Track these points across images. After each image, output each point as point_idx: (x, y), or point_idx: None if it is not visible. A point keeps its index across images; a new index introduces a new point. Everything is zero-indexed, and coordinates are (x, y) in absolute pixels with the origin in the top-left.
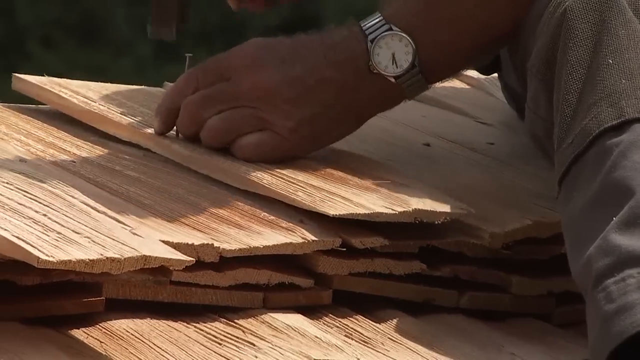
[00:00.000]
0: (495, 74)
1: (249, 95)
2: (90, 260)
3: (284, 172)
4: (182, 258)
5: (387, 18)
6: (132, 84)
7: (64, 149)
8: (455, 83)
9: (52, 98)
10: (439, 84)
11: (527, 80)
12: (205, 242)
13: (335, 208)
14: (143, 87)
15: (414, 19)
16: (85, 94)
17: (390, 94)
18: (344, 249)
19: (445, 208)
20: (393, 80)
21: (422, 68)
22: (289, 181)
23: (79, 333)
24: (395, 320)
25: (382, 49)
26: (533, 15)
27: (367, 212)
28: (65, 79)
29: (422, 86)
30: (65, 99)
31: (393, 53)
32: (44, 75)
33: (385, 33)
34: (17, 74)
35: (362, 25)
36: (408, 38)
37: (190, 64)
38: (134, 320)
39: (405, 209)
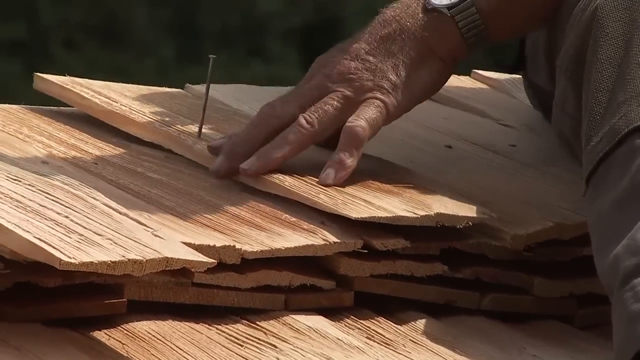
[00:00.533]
0: (514, 75)
1: (325, 84)
2: (112, 262)
3: (305, 174)
4: (203, 260)
5: None
6: (154, 86)
7: (85, 151)
8: (476, 85)
9: (74, 98)
10: (460, 85)
11: (556, 78)
12: (227, 243)
13: (357, 211)
14: (164, 88)
15: None
16: (107, 94)
17: (448, 29)
18: (365, 251)
19: (467, 212)
20: (447, 12)
21: (477, 4)
22: (310, 184)
23: (100, 334)
24: (416, 322)
25: None
26: (563, 13)
27: (389, 215)
28: (86, 79)
29: (478, 26)
30: (87, 99)
31: None
32: (66, 74)
33: None
34: (39, 74)
35: None
36: None
37: (214, 66)
38: (156, 321)
39: (428, 213)
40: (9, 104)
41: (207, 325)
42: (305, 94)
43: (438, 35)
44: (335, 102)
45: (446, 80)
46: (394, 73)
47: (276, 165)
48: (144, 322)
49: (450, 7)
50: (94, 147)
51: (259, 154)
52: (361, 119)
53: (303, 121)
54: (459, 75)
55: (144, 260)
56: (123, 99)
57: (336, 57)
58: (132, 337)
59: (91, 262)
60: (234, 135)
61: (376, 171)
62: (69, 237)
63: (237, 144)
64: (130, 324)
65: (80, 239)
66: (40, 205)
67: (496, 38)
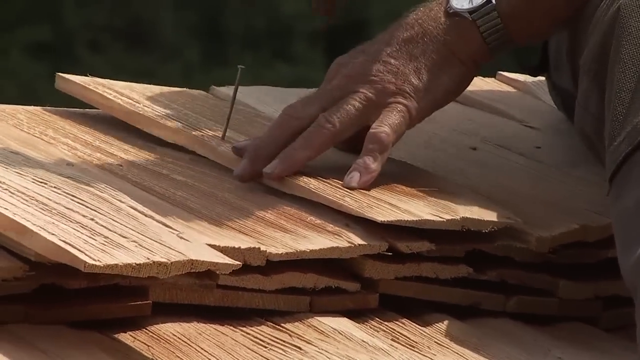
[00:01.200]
0: (540, 77)
1: (345, 84)
2: (137, 265)
3: (330, 177)
4: (229, 262)
5: None
6: (180, 88)
7: (110, 153)
8: (501, 86)
9: (96, 98)
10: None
11: (579, 78)
12: (252, 245)
13: (382, 214)
14: (185, 89)
15: None
16: (129, 95)
17: (470, 33)
18: (390, 254)
19: (493, 217)
20: (468, 16)
21: (498, 8)
22: (335, 186)
23: (125, 337)
24: (441, 324)
25: None
26: (586, 13)
27: (414, 218)
28: (108, 80)
29: (500, 30)
30: (109, 99)
31: None
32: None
33: None
34: (61, 74)
35: None
36: None
37: (242, 76)
38: (181, 323)
39: (454, 217)
40: (35, 105)
41: (232, 327)
42: (326, 95)
43: (460, 39)
44: (356, 103)
45: (468, 84)
46: (416, 77)
47: (299, 166)
48: (169, 324)
49: (471, 11)
50: (119, 149)
51: (281, 156)
52: (385, 125)
53: (324, 120)
54: (484, 77)
55: (169, 262)
56: (145, 99)
57: (357, 58)
58: (157, 339)
59: (116, 265)
60: (257, 138)
61: (400, 175)
62: (94, 239)
63: (260, 147)
64: (155, 326)
65: (105, 241)
66: (66, 208)
67: (518, 41)
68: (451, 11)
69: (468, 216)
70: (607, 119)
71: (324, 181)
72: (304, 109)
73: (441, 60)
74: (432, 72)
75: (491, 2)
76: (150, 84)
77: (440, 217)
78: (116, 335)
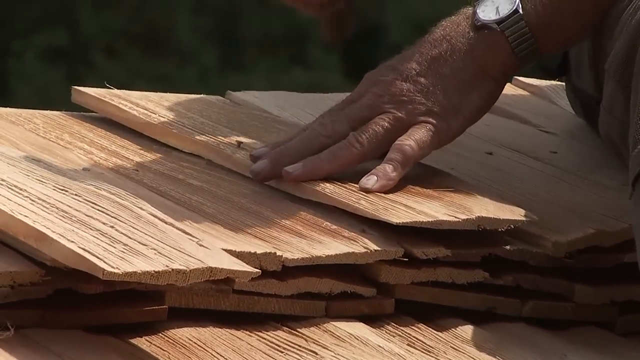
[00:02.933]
0: (555, 81)
1: (375, 103)
2: (156, 272)
3: (345, 181)
4: (248, 270)
5: None
6: (196, 93)
7: (126, 158)
8: (518, 91)
9: (112, 111)
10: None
11: (604, 82)
12: (268, 250)
13: (398, 216)
14: (202, 96)
15: None
16: (145, 105)
17: (498, 45)
18: (406, 259)
19: (508, 215)
20: (496, 27)
21: (526, 17)
22: (351, 190)
23: (141, 341)
24: (457, 328)
25: (487, 6)
26: (612, 17)
27: (430, 219)
28: (124, 91)
29: (530, 42)
30: (125, 111)
31: (497, 6)
32: (106, 85)
33: None
34: (76, 87)
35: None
36: None
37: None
38: (197, 328)
39: (469, 217)
40: (51, 110)
41: (247, 332)
42: (356, 114)
43: (489, 53)
44: (386, 124)
45: (497, 99)
46: (445, 96)
47: (321, 176)
48: (185, 329)
49: (499, 22)
50: (134, 154)
51: (306, 162)
52: (411, 139)
53: (353, 140)
54: None
55: (188, 270)
56: (161, 109)
57: (387, 76)
58: (173, 344)
59: (134, 272)
60: (281, 144)
61: (416, 176)
62: (114, 247)
63: (284, 154)
64: (171, 330)
65: (125, 248)
66: (86, 215)
67: (546, 51)
68: (478, 23)
69: (484, 215)
70: (632, 122)
71: (340, 185)
72: (333, 126)
73: (470, 77)
74: (462, 91)
75: (518, 12)
76: (166, 89)
77: (456, 217)
78: (132, 340)
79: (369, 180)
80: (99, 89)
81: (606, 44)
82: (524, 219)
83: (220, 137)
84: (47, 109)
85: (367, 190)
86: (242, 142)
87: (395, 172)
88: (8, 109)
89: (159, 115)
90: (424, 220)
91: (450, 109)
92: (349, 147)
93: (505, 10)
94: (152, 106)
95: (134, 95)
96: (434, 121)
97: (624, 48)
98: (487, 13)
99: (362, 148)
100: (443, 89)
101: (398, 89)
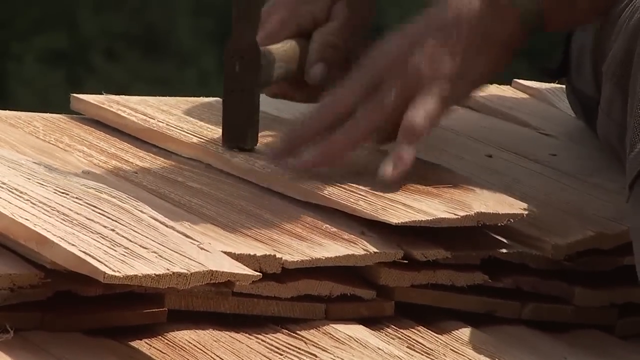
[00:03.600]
0: (555, 84)
1: (382, 71)
2: (157, 275)
3: (344, 181)
4: (248, 273)
5: None
6: (196, 96)
7: (126, 160)
8: (517, 94)
9: (110, 117)
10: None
11: (602, 84)
12: (268, 253)
13: (397, 216)
14: (202, 98)
15: None
16: (143, 110)
17: (507, 17)
18: (406, 261)
19: (508, 210)
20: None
21: None
22: (350, 191)
23: (141, 344)
24: (457, 331)
25: None
26: (610, 19)
27: (429, 218)
28: (123, 96)
29: (539, 13)
30: (124, 117)
31: None
32: (103, 92)
33: None
34: (74, 95)
35: None
36: None
37: None
38: (196, 331)
39: (468, 213)
40: (50, 113)
41: (247, 335)
42: (362, 84)
43: (497, 23)
44: (392, 94)
45: (503, 69)
46: (451, 61)
47: (339, 158)
48: (185, 332)
49: None
50: (134, 156)
51: (321, 148)
52: (420, 113)
53: (361, 115)
54: (499, 84)
55: (189, 273)
56: (160, 114)
57: (395, 43)
58: (173, 347)
59: (135, 276)
60: (294, 128)
61: (415, 172)
62: (114, 250)
63: (299, 136)
64: (170, 333)
65: (126, 252)
66: (87, 219)
67: (555, 26)
68: None
69: (483, 211)
70: (629, 125)
71: (338, 186)
72: (342, 98)
73: (477, 44)
74: (469, 57)
75: None
76: (166, 91)
77: (455, 215)
78: (132, 343)
79: (386, 171)
80: (97, 95)
81: (605, 46)
82: (523, 212)
83: (218, 140)
84: (46, 112)
85: (387, 181)
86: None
87: (408, 152)
88: (8, 112)
89: (158, 121)
90: (423, 219)
91: (456, 73)
92: (358, 124)
93: None
94: (150, 111)
95: (133, 100)
96: (439, 86)
97: (622, 50)
98: None
99: (372, 124)
100: (449, 53)
101: (404, 55)
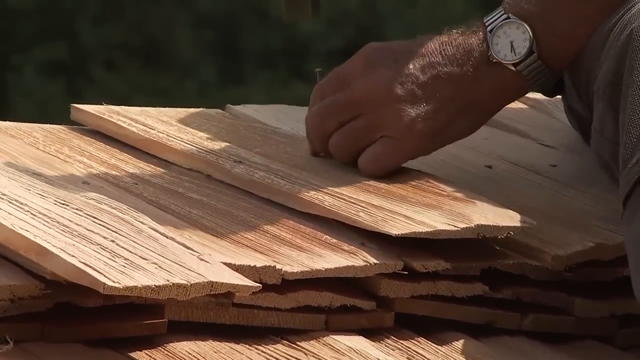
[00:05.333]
0: (558, 96)
1: (362, 101)
2: (157, 286)
3: (344, 193)
4: (248, 284)
5: (507, 9)
6: (196, 107)
7: (126, 171)
8: (517, 104)
9: (111, 127)
10: None
11: (594, 103)
12: (268, 264)
13: (397, 227)
14: (202, 109)
15: (531, 6)
16: (144, 121)
17: (513, 84)
18: (406, 273)
19: (508, 222)
20: (512, 68)
21: (541, 54)
22: (350, 202)
23: (141, 355)
24: (457, 342)
25: (500, 39)
26: (597, 39)
27: (429, 230)
28: (123, 107)
29: (545, 73)
30: (124, 128)
31: (511, 41)
32: (103, 103)
33: (504, 22)
34: (75, 105)
35: (484, 19)
36: (525, 25)
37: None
38: (196, 342)
39: (468, 225)
40: (50, 124)
41: (247, 346)
42: (344, 110)
43: (498, 92)
44: (365, 132)
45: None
46: (434, 117)
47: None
48: (185, 342)
49: (515, 64)
50: (134, 167)
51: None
52: (380, 166)
53: (332, 149)
54: None
55: (189, 284)
56: (160, 125)
57: (387, 69)
58: (173, 357)
59: (135, 287)
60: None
61: (416, 185)
62: (114, 261)
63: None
64: (170, 344)
65: (126, 263)
66: (87, 230)
67: (558, 74)
68: (494, 60)
69: (483, 223)
70: (622, 142)
71: (339, 198)
72: (322, 121)
73: (467, 109)
74: (451, 119)
75: (533, 50)
76: (166, 103)
77: (455, 227)
78: (132, 354)
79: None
80: (98, 106)
81: (594, 67)
82: (523, 225)
83: (219, 151)
84: (46, 123)
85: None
86: (240, 158)
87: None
88: (8, 123)
89: (158, 131)
90: (423, 231)
91: (431, 132)
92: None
93: (520, 49)
94: (150, 122)
95: (133, 111)
96: (409, 140)
97: (611, 69)
98: (501, 49)
99: (335, 151)
100: (433, 109)
101: (391, 92)
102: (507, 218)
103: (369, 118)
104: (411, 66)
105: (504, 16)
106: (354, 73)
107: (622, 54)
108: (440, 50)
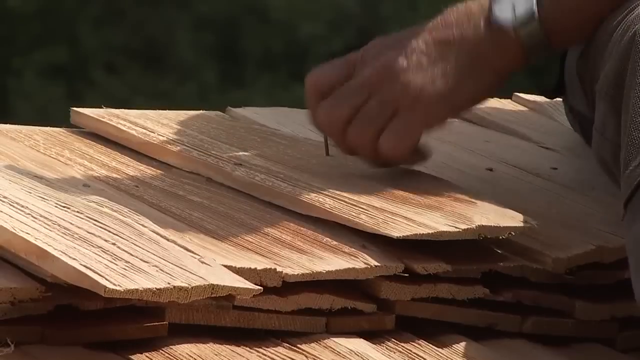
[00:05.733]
0: (558, 98)
1: (371, 81)
2: (158, 289)
3: (345, 195)
4: (250, 287)
5: None
6: (196, 110)
7: (126, 174)
8: (518, 107)
9: (110, 131)
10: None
11: (595, 103)
12: (268, 266)
13: (398, 229)
14: (202, 112)
15: None
16: (143, 124)
17: (509, 44)
18: (406, 275)
19: (509, 222)
20: (510, 29)
21: (542, 19)
22: (351, 204)
23: (142, 358)
24: (458, 345)
25: (502, 3)
26: (601, 39)
27: (430, 231)
28: (123, 110)
29: (542, 41)
30: (124, 131)
31: (513, 4)
32: (103, 106)
33: None
34: (74, 108)
35: None
36: None
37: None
38: (197, 344)
39: (469, 226)
40: (51, 127)
41: (248, 348)
42: (354, 94)
43: (498, 51)
44: (374, 111)
45: (494, 94)
46: (444, 80)
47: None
48: (185, 345)
49: (514, 24)
50: (135, 170)
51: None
52: (391, 142)
53: (350, 137)
54: (500, 98)
55: (190, 287)
56: (160, 127)
57: (391, 49)
58: None
59: (136, 290)
60: None
61: (417, 186)
62: (115, 264)
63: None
64: (171, 347)
65: (127, 266)
66: (88, 233)
67: (557, 49)
68: (492, 21)
69: (484, 224)
70: (623, 143)
71: (340, 200)
72: (333, 110)
73: (473, 67)
74: (459, 78)
75: (534, 13)
76: (166, 105)
77: (456, 228)
78: (132, 357)
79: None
80: (98, 109)
81: (598, 66)
82: (524, 225)
83: (219, 153)
84: (47, 126)
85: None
86: (241, 160)
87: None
88: (8, 125)
89: (158, 134)
90: (424, 232)
91: (444, 93)
92: (349, 144)
93: (521, 11)
94: (150, 124)
95: (133, 114)
96: (425, 107)
97: (614, 70)
98: (502, 11)
99: (354, 139)
100: (441, 72)
101: (396, 66)
102: (509, 218)
103: (380, 96)
104: (414, 41)
105: None
106: (360, 61)
107: (625, 56)
108: (443, 20)
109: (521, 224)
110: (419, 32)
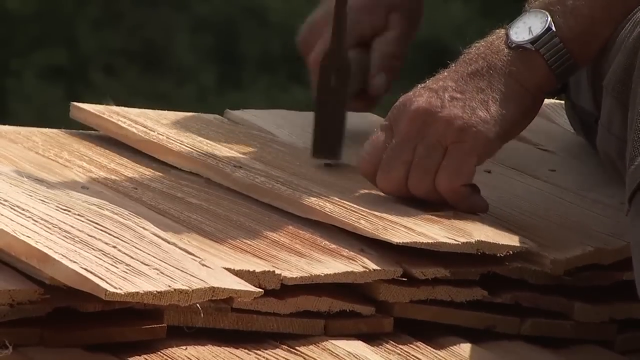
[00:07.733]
0: (554, 100)
1: (412, 132)
2: (158, 292)
3: (345, 201)
4: (250, 289)
5: (526, 8)
6: (195, 112)
7: (125, 176)
8: None
9: (110, 127)
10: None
11: (602, 98)
12: (267, 269)
13: (397, 236)
14: (200, 114)
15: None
16: (143, 122)
17: (534, 63)
18: (405, 279)
19: (508, 241)
20: (531, 46)
21: (559, 33)
22: (351, 210)
23: None
24: (456, 347)
25: (519, 28)
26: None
27: (430, 241)
28: (123, 107)
29: (564, 55)
30: (124, 128)
31: (529, 27)
32: (103, 104)
33: (523, 14)
34: (75, 103)
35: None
36: (543, 11)
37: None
38: (196, 347)
39: (469, 240)
40: (50, 128)
41: (246, 351)
42: (400, 151)
43: (526, 70)
44: (428, 156)
45: (535, 114)
46: (483, 109)
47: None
48: (184, 348)
49: (533, 41)
50: (133, 171)
51: None
52: (456, 176)
53: (411, 187)
54: None
55: (190, 290)
56: (160, 127)
57: (422, 96)
58: None
59: (137, 293)
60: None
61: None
62: (116, 267)
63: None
64: (170, 349)
65: (127, 269)
66: (89, 236)
67: (584, 62)
68: (513, 45)
69: (483, 239)
70: (629, 139)
71: (339, 204)
72: (390, 175)
73: (508, 91)
74: (500, 104)
75: (551, 29)
76: (165, 107)
77: (455, 240)
78: (130, 359)
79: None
80: (98, 105)
81: (604, 61)
82: (522, 245)
83: (219, 155)
84: (46, 127)
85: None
86: (240, 163)
87: (476, 205)
88: (7, 127)
89: (158, 133)
90: (424, 242)
91: (489, 121)
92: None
93: (538, 30)
94: (150, 124)
95: (133, 112)
96: (472, 137)
97: (622, 65)
98: (519, 34)
99: (417, 191)
100: (480, 102)
101: (434, 106)
102: (507, 238)
103: (425, 141)
104: (441, 82)
105: (524, 11)
106: (393, 120)
107: (633, 51)
108: (465, 57)
109: (520, 244)
110: (442, 75)
